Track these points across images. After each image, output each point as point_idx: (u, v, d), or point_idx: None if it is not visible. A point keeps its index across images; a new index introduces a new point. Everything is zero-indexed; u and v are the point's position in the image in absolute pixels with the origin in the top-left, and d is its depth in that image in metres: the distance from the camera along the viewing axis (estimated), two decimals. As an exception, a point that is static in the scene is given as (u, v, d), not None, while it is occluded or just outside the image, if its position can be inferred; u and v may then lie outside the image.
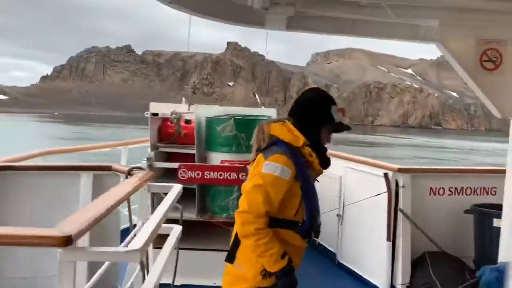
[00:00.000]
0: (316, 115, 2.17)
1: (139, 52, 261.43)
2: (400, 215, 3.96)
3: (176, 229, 2.95)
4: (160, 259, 2.55)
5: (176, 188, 3.02)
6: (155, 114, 4.13)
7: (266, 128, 2.15)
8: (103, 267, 2.01)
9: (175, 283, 3.17)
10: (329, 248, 4.96)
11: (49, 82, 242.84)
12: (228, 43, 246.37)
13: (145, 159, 4.06)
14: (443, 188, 4.10)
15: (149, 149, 4.14)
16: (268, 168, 1.99)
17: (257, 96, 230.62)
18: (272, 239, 1.97)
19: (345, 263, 4.67)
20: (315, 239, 6.16)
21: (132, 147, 5.19)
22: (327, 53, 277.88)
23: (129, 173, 3.09)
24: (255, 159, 2.13)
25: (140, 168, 3.23)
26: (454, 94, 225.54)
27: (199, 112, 4.15)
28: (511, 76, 3.13)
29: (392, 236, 4.02)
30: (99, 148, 4.90)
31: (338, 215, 4.73)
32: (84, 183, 3.20)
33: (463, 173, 4.03)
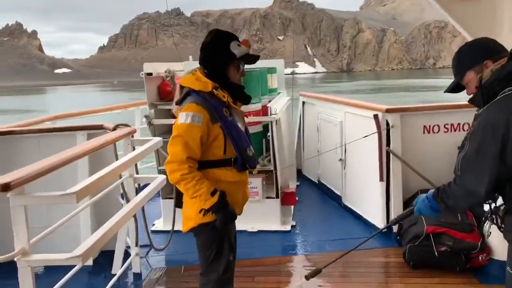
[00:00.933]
0: (216, 56, 2.25)
1: (188, 14, 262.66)
2: (391, 154, 3.96)
3: (159, 179, 3.24)
4: (138, 198, 2.85)
5: (155, 141, 3.28)
6: (150, 74, 4.35)
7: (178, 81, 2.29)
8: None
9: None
10: (336, 192, 5.07)
11: (106, 52, 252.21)
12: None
13: (144, 117, 4.33)
14: (437, 125, 4.01)
15: (147, 107, 4.40)
16: (182, 119, 2.14)
17: (308, 48, 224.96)
18: (200, 180, 2.14)
19: (348, 205, 4.78)
20: (303, 174, 6.25)
21: (145, 107, 5.47)
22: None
23: (114, 129, 3.38)
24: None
25: (126, 125, 3.51)
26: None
27: (189, 68, 4.30)
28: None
29: (386, 176, 4.06)
30: (110, 110, 5.27)
31: (340, 159, 4.80)
32: (80, 142, 3.53)
33: (459, 108, 3.89)
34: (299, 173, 6.21)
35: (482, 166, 1.79)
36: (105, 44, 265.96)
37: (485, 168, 1.78)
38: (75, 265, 2.51)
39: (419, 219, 3.53)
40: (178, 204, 2.37)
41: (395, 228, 3.96)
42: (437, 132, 4.04)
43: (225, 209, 2.21)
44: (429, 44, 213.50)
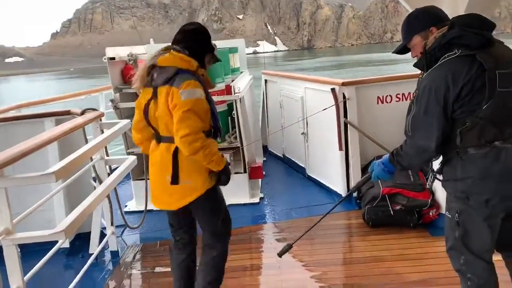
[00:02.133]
0: (199, 43, 2.49)
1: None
2: (349, 125, 4.23)
3: (129, 160, 3.36)
4: (110, 178, 2.98)
5: (123, 123, 3.38)
6: (112, 58, 4.40)
7: (153, 61, 2.40)
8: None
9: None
10: (300, 164, 5.34)
11: (60, 38, 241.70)
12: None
13: (110, 101, 4.39)
14: (390, 95, 4.30)
15: (112, 92, 4.45)
16: (187, 95, 2.29)
17: (269, 27, 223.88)
18: (214, 145, 2.39)
19: (312, 175, 5.06)
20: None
21: (109, 92, 5.49)
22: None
23: (82, 114, 3.45)
24: (154, 95, 2.40)
25: (93, 109, 3.58)
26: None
27: (152, 51, 4.37)
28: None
29: (344, 146, 4.33)
30: (74, 97, 5.27)
31: (303, 133, 5.04)
32: (48, 129, 3.58)
33: (408, 79, 4.17)
34: (265, 149, 6.44)
35: (429, 124, 2.02)
36: (58, 31, 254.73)
37: (433, 125, 2.01)
38: (52, 248, 2.64)
39: (375, 183, 3.83)
40: (175, 180, 2.43)
41: (355, 193, 4.27)
42: (390, 102, 4.34)
43: (228, 169, 2.49)
44: (386, 19, 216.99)
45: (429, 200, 3.59)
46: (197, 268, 2.67)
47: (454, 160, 2.06)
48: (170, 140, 2.41)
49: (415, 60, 2.20)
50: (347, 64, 50.24)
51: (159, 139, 2.46)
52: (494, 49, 1.98)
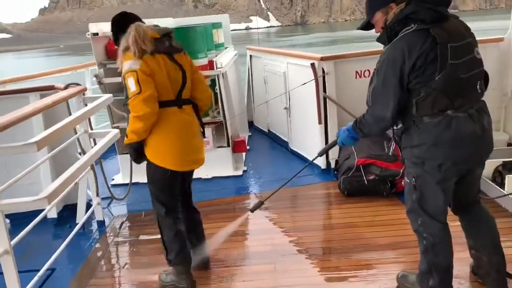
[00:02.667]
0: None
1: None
2: (328, 99, 4.37)
3: (113, 132, 3.48)
4: (94, 149, 3.10)
5: (106, 97, 3.49)
6: (96, 34, 4.45)
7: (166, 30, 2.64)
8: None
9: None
10: (283, 138, 5.48)
11: (49, 14, 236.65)
12: None
13: (94, 76, 4.48)
14: (368, 70, 4.41)
15: (96, 67, 4.53)
16: None
17: (261, 2, 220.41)
18: None
19: (294, 149, 5.22)
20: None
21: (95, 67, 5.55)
22: None
23: (65, 88, 3.55)
24: (173, 61, 2.59)
25: (77, 84, 3.68)
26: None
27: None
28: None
29: (324, 120, 4.48)
30: (59, 73, 5.34)
31: (285, 108, 5.16)
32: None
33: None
34: (251, 124, 6.57)
35: (386, 94, 2.16)
36: (46, 6, 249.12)
37: (389, 95, 2.15)
38: (39, 214, 2.79)
39: (351, 154, 4.00)
40: (204, 135, 2.85)
41: (332, 164, 4.45)
42: (368, 76, 4.43)
43: None
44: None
45: (401, 170, 3.76)
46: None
47: (411, 129, 2.21)
48: (191, 101, 2.66)
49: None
50: (341, 40, 49.92)
51: (181, 102, 2.58)
52: (448, 24, 2.10)
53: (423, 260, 2.39)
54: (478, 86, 2.18)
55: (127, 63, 2.42)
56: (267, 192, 4.28)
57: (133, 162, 3.89)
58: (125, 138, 2.54)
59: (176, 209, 2.77)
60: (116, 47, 2.65)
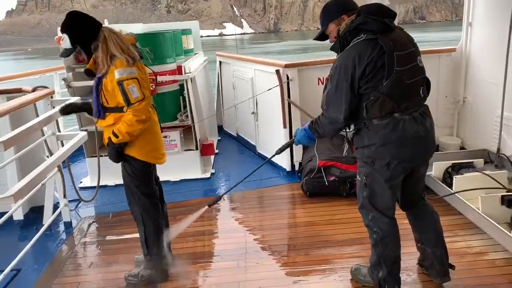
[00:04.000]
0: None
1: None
2: (292, 104, 4.55)
3: (80, 135, 3.54)
4: (61, 151, 3.16)
5: (73, 99, 3.55)
6: (64, 38, 4.48)
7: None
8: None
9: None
10: (251, 142, 5.64)
11: (16, 17, 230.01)
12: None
13: (62, 80, 4.51)
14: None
15: (65, 71, 4.56)
16: None
17: (235, 9, 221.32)
18: None
19: (262, 152, 5.38)
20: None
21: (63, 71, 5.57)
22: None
23: (33, 91, 3.59)
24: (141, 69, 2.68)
25: (45, 87, 3.72)
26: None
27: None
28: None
29: (288, 124, 4.66)
30: (27, 76, 5.32)
31: (253, 112, 5.32)
32: None
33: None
34: (221, 129, 6.69)
35: (339, 98, 2.33)
36: (14, 8, 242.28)
37: (342, 99, 2.31)
38: (4, 215, 2.82)
39: (313, 157, 4.19)
40: None
41: (297, 166, 4.63)
42: (330, 83, 4.66)
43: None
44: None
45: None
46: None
47: (362, 131, 2.40)
48: None
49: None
50: (312, 48, 50.77)
51: (152, 104, 2.77)
52: (393, 35, 2.30)
53: (373, 253, 2.57)
54: (421, 91, 2.38)
55: (123, 70, 2.49)
56: (233, 193, 4.43)
57: (100, 166, 3.97)
58: (113, 138, 2.59)
59: (157, 199, 2.91)
60: (85, 55, 2.63)
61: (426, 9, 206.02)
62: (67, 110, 2.92)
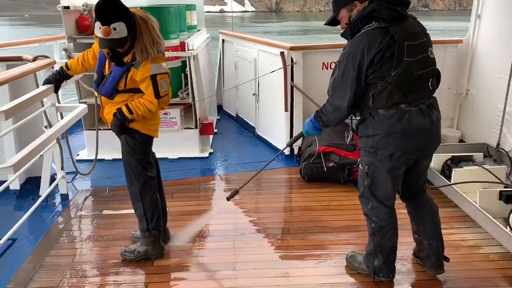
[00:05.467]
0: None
1: None
2: (294, 88, 4.51)
3: (80, 107, 3.50)
4: (60, 123, 3.12)
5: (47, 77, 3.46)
6: (67, 7, 4.39)
7: None
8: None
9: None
10: (251, 123, 5.60)
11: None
12: None
13: (63, 50, 4.42)
14: (334, 62, 4.51)
15: (66, 41, 4.47)
16: None
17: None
18: None
19: (261, 134, 5.35)
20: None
21: (64, 41, 5.46)
22: None
23: (34, 60, 3.51)
24: None
25: (46, 57, 3.65)
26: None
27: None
28: None
29: (290, 107, 4.62)
30: (27, 44, 5.22)
31: (254, 94, 5.27)
32: None
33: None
34: (221, 108, 6.65)
35: (344, 86, 2.31)
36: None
37: (347, 87, 2.29)
38: (1, 185, 2.80)
39: (313, 142, 4.18)
40: None
41: (296, 151, 4.62)
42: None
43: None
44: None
45: (359, 160, 3.96)
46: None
47: (367, 120, 2.38)
48: None
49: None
50: (314, 30, 50.23)
51: None
52: (406, 24, 2.26)
53: (370, 242, 2.59)
54: (430, 83, 2.36)
55: (159, 66, 2.58)
56: (231, 174, 4.43)
57: (99, 139, 3.94)
58: (125, 111, 2.61)
59: (155, 174, 2.92)
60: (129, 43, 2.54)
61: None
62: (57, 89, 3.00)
